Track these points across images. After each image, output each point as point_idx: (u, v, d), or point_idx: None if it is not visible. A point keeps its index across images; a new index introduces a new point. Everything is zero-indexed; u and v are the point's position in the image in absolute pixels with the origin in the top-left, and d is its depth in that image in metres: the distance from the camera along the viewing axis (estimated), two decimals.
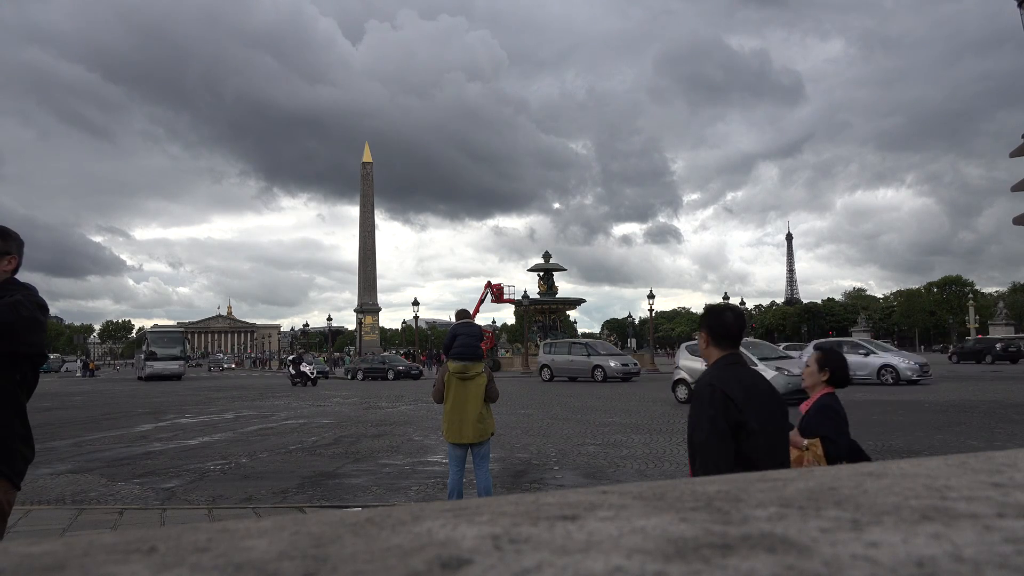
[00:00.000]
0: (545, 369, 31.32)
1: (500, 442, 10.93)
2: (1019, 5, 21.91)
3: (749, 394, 2.73)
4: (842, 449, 3.37)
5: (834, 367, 3.63)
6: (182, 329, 46.66)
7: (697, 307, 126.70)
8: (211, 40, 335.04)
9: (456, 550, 0.51)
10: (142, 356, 44.30)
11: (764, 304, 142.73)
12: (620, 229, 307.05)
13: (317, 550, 0.52)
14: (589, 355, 29.89)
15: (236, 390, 29.28)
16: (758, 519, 0.58)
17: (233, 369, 75.37)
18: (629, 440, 11.11)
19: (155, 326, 47.70)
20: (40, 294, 2.87)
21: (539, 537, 0.55)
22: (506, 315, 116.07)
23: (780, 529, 0.55)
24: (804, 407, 3.62)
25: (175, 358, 44.36)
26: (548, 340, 36.29)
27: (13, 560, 0.52)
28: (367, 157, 73.12)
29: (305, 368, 32.74)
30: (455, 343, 6.12)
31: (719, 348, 2.88)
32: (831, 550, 0.50)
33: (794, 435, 3.35)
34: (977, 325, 59.77)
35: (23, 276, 2.92)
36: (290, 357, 40.80)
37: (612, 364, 29.13)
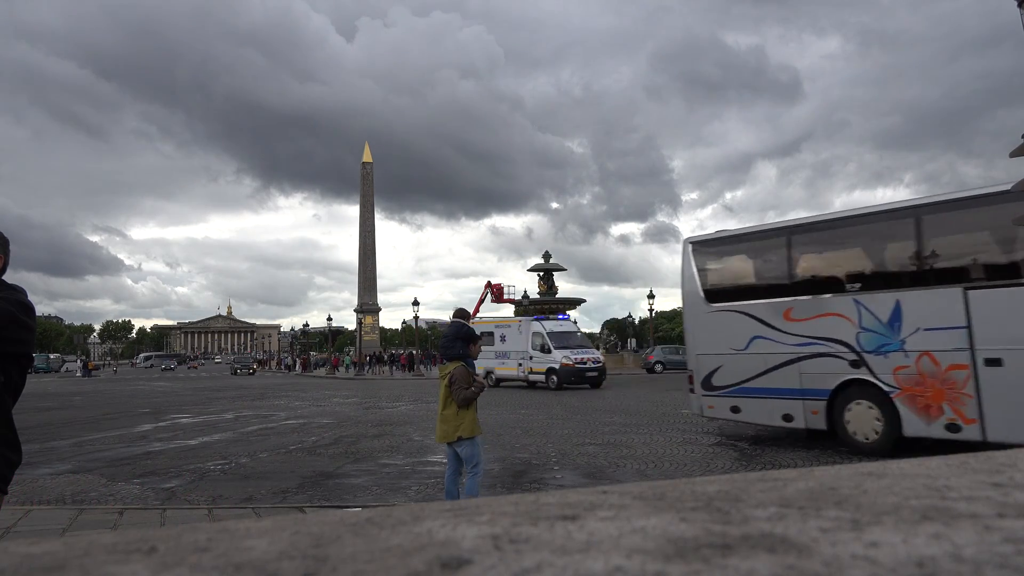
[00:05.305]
0: None
1: (500, 442, 10.94)
2: (1019, 4, 21.86)
3: None
4: None
5: None
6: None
7: None
8: (201, 37, 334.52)
9: (456, 550, 0.51)
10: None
11: None
12: (618, 229, 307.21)
13: (317, 550, 0.52)
14: None
15: (236, 390, 29.30)
16: (758, 519, 0.58)
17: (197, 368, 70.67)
18: (629, 440, 11.10)
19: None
20: (31, 296, 2.83)
21: (539, 537, 0.55)
22: (506, 315, 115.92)
23: (780, 529, 0.55)
24: None
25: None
26: None
27: (13, 560, 0.52)
28: (367, 157, 72.97)
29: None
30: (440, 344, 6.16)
31: None
32: (831, 550, 0.50)
33: None
34: None
35: (19, 277, 2.89)
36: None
37: None
